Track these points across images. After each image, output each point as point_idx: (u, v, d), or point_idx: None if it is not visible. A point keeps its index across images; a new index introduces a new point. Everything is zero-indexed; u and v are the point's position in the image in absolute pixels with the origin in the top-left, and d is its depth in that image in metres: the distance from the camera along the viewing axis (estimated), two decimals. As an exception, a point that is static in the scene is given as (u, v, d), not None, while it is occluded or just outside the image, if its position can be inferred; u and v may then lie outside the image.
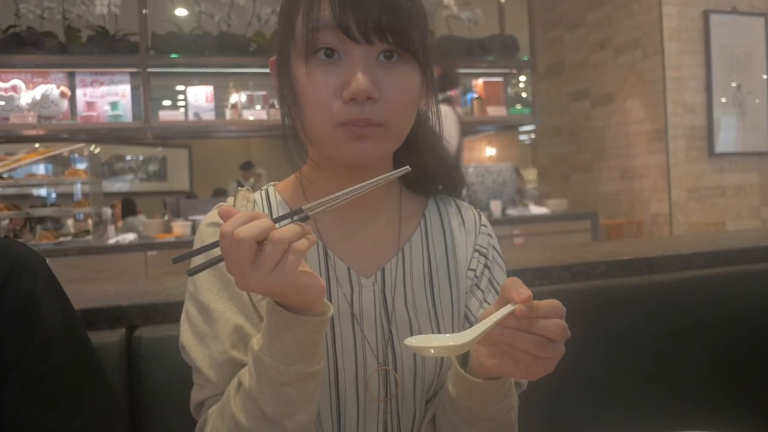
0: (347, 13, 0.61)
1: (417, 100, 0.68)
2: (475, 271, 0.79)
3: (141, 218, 4.24)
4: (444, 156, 0.81)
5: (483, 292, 0.78)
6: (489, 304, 0.78)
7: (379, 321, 0.73)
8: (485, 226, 0.82)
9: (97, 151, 3.94)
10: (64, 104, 3.65)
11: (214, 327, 0.69)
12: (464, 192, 0.86)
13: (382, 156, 0.69)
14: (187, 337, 0.71)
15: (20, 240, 3.54)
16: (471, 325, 0.77)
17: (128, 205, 4.83)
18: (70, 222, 3.91)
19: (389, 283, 0.74)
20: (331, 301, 0.70)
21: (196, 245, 0.73)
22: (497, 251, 0.82)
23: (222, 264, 0.58)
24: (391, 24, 0.62)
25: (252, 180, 6.46)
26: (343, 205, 0.61)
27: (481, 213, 0.84)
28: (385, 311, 0.74)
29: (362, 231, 0.76)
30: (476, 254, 0.79)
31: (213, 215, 0.75)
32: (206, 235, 0.73)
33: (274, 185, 0.81)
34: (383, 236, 0.77)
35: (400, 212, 0.78)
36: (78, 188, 3.94)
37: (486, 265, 0.79)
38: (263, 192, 0.79)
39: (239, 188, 0.78)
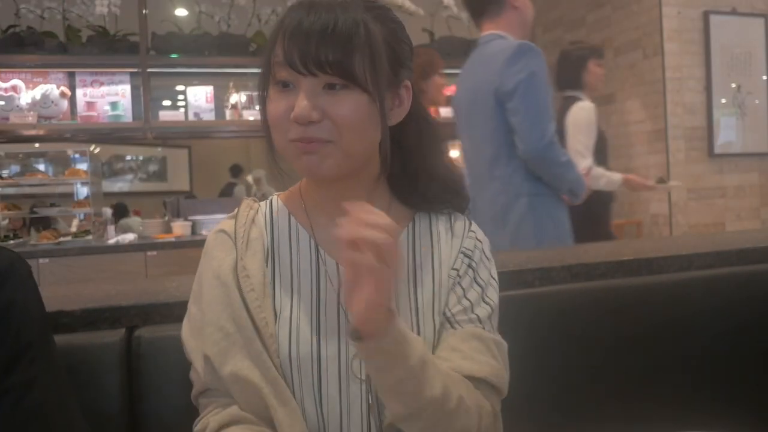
0: (293, 51, 0.70)
1: (366, 121, 0.74)
2: (458, 270, 0.81)
3: (136, 219, 4.24)
4: (443, 176, 0.85)
5: (464, 289, 0.80)
6: (468, 300, 0.80)
7: None
8: (474, 231, 0.85)
9: (97, 151, 3.94)
10: (64, 104, 3.65)
11: (206, 329, 0.76)
12: (467, 209, 0.89)
13: (337, 170, 0.74)
14: (185, 331, 0.81)
15: (20, 239, 3.54)
16: (447, 320, 0.79)
17: (121, 209, 4.81)
18: (74, 222, 3.91)
19: None
20: (320, 292, 0.78)
21: (203, 254, 0.83)
22: (486, 256, 0.84)
23: (224, 272, 0.76)
24: (329, 59, 0.70)
25: (250, 179, 6.41)
26: (333, 209, 0.72)
27: (472, 221, 0.87)
28: None
29: None
30: (461, 255, 0.82)
31: (221, 225, 0.84)
32: (213, 244, 0.82)
33: (278, 195, 0.88)
34: None
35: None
36: (78, 188, 3.95)
37: (470, 266, 0.82)
38: (267, 202, 0.87)
39: (244, 198, 0.88)
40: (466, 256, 0.82)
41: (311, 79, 0.71)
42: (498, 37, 2.04)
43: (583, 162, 2.65)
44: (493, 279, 0.83)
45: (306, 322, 0.76)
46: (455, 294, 0.80)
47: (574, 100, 2.85)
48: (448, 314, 0.79)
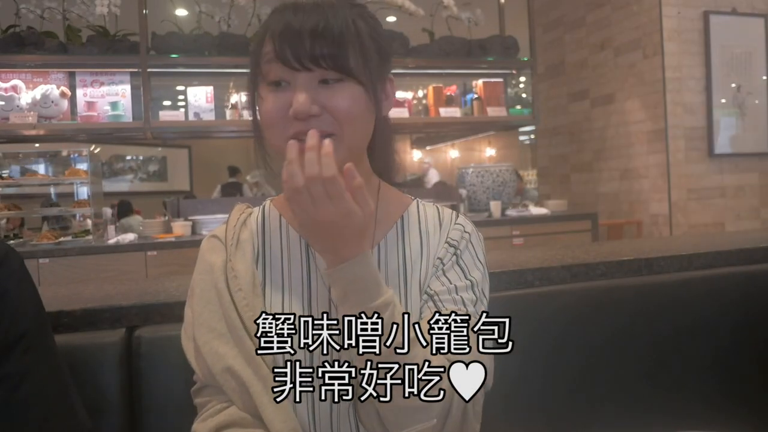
0: (285, 47, 0.71)
1: (364, 112, 0.75)
2: (442, 259, 0.82)
3: (137, 218, 4.24)
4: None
5: (445, 272, 0.81)
6: (448, 279, 0.80)
7: None
8: (460, 224, 0.86)
9: (97, 151, 3.94)
10: (64, 104, 3.65)
11: (199, 330, 0.78)
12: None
13: (339, 164, 0.70)
14: (182, 335, 0.82)
15: (20, 238, 3.55)
16: (431, 300, 0.79)
17: (125, 207, 4.82)
18: (74, 222, 3.91)
19: None
20: (311, 289, 0.79)
21: (197, 259, 0.84)
22: (473, 245, 0.84)
23: (214, 274, 0.78)
24: (323, 52, 0.71)
25: (249, 179, 6.50)
26: None
27: (459, 214, 0.89)
28: None
29: None
30: (446, 245, 0.83)
31: (214, 231, 0.86)
32: (206, 248, 0.84)
33: (270, 200, 0.89)
34: None
35: (375, 215, 0.82)
36: (78, 188, 3.95)
37: (455, 254, 0.83)
38: (260, 207, 0.89)
39: (238, 203, 0.89)
40: (451, 245, 0.83)
41: (306, 74, 0.72)
42: None
43: None
44: (480, 262, 0.83)
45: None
46: (437, 277, 0.81)
47: None
48: (431, 292, 0.79)
